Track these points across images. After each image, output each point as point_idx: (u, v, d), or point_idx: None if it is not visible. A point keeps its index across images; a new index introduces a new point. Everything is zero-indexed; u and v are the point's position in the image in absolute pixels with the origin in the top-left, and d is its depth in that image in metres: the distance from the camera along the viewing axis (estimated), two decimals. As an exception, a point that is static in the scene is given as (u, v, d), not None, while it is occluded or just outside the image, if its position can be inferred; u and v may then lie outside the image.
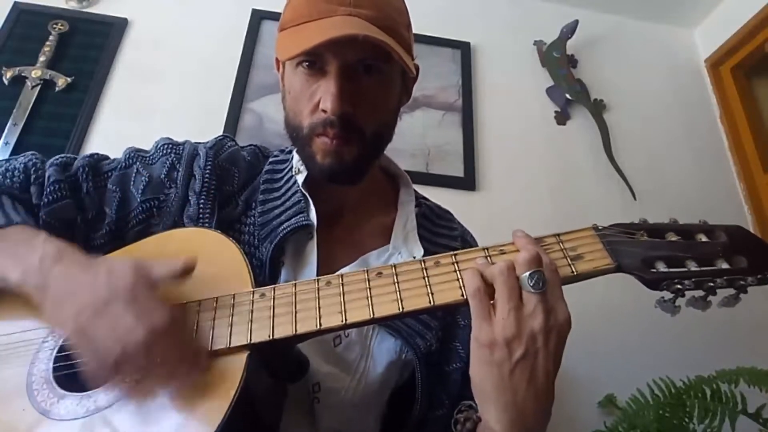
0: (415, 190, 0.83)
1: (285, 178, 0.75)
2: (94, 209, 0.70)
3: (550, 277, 0.51)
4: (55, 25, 1.84)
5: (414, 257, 0.71)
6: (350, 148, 0.67)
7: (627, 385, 1.35)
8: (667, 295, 0.54)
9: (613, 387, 1.57)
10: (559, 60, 2.09)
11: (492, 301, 0.51)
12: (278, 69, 0.76)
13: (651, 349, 1.66)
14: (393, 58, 0.65)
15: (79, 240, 0.67)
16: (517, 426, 0.50)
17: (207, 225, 0.68)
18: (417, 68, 0.76)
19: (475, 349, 0.51)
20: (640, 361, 1.59)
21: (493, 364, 0.49)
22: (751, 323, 1.71)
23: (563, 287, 0.53)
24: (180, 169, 0.72)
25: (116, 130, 1.73)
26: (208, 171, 0.71)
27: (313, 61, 0.65)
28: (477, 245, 0.82)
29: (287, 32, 0.68)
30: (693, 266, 0.54)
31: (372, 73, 0.67)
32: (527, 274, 0.50)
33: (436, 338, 0.70)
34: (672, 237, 0.57)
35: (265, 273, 0.66)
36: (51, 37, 1.82)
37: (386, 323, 0.66)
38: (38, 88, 1.74)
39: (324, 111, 0.64)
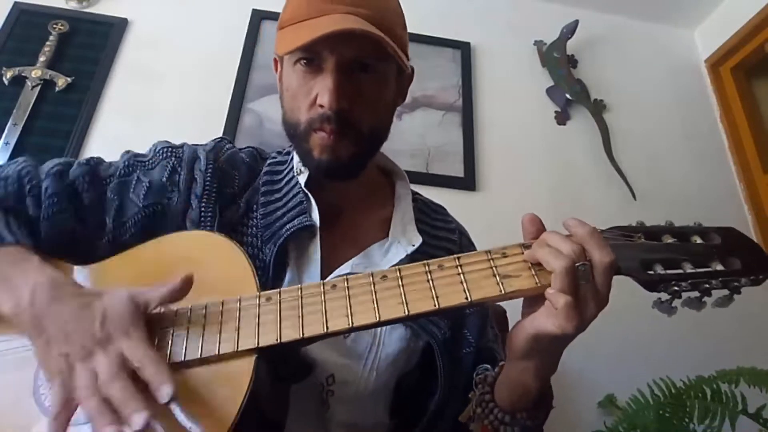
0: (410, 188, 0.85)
1: (285, 179, 0.75)
2: (95, 218, 0.69)
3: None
4: (55, 25, 1.84)
5: (413, 245, 0.73)
6: (346, 144, 0.68)
7: (627, 385, 1.35)
8: (664, 296, 0.55)
9: (613, 387, 1.58)
10: (559, 60, 2.09)
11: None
12: (276, 70, 0.78)
13: (651, 349, 1.66)
14: (389, 56, 0.67)
15: (81, 250, 0.66)
16: (548, 375, 0.60)
17: (209, 228, 0.68)
18: (412, 70, 0.78)
19: (533, 317, 0.53)
20: (640, 361, 1.59)
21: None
22: (750, 324, 1.72)
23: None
24: (182, 173, 0.72)
25: (116, 130, 1.73)
26: (209, 174, 0.72)
27: (311, 58, 0.67)
28: (470, 237, 0.86)
29: (286, 30, 0.70)
30: (689, 268, 0.55)
31: (368, 71, 0.68)
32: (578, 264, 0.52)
33: (448, 326, 0.72)
34: (668, 239, 0.57)
35: (268, 274, 0.67)
36: (51, 37, 1.82)
37: None
38: (38, 88, 1.74)
39: (321, 106, 0.66)
